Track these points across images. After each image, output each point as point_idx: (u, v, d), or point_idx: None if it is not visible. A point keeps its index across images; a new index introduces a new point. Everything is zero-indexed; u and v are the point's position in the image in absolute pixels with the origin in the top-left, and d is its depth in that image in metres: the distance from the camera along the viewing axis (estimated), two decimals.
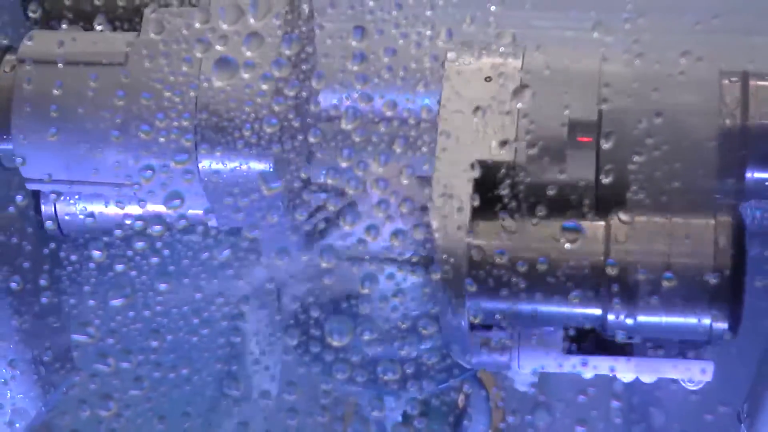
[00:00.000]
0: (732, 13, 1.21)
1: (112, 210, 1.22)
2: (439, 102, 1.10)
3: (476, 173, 1.05)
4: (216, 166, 1.10)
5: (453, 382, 1.26)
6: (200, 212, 1.17)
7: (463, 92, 1.10)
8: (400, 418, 1.28)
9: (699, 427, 1.29)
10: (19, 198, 1.25)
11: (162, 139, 1.10)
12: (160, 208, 1.16)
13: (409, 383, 1.19)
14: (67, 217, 1.25)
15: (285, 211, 1.14)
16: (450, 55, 1.12)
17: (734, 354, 1.14)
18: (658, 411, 1.40)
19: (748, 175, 1.09)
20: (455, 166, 1.06)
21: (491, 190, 1.06)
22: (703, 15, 1.20)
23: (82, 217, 1.23)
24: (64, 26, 1.20)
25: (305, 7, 1.16)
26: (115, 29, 1.18)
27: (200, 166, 1.10)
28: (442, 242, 1.03)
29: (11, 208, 1.26)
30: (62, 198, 1.24)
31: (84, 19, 1.20)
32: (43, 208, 1.24)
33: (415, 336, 1.17)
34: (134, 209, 1.20)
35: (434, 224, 1.04)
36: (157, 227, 1.16)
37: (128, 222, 1.20)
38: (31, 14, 1.24)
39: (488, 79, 1.11)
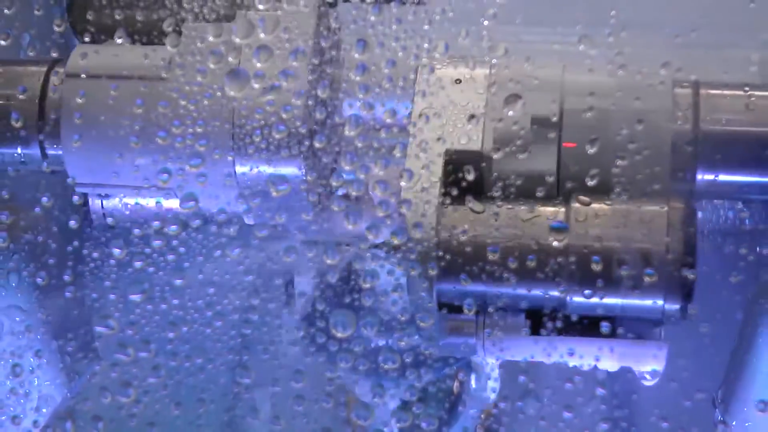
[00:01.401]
0: (705, 28, 1.22)
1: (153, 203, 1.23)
2: (412, 100, 1.11)
3: (443, 160, 1.06)
4: (251, 170, 1.11)
5: (448, 370, 1.27)
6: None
7: (435, 91, 1.11)
8: (399, 404, 1.28)
9: (677, 412, 1.29)
10: (44, 199, 1.25)
11: (201, 148, 1.10)
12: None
13: (408, 371, 1.20)
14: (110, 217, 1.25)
15: (313, 211, 1.14)
16: (424, 60, 1.13)
17: (709, 344, 1.16)
18: (639, 397, 1.41)
19: (699, 176, 1.10)
20: (426, 155, 1.07)
21: (459, 180, 1.07)
22: (680, 29, 1.22)
23: (126, 212, 1.24)
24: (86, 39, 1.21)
25: (332, 23, 1.17)
26: (133, 42, 1.19)
27: (237, 170, 1.11)
28: (411, 225, 1.03)
29: (37, 209, 1.27)
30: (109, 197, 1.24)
31: (106, 32, 1.21)
32: (90, 201, 1.24)
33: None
34: (174, 203, 1.20)
35: (404, 209, 1.04)
36: (197, 221, 1.16)
37: (169, 217, 1.20)
38: (56, 28, 1.27)
39: (458, 81, 1.12)
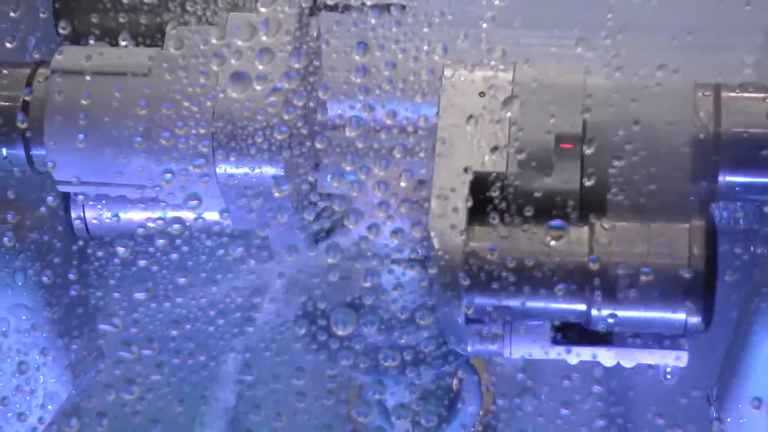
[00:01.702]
0: (701, 31, 1.22)
1: (135, 214, 1.23)
2: (437, 113, 1.10)
3: (470, 177, 1.05)
4: (231, 170, 1.10)
5: (448, 368, 1.26)
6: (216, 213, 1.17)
7: (459, 104, 1.10)
8: (399, 401, 1.29)
9: (673, 409, 1.30)
10: (50, 199, 1.25)
11: (181, 146, 1.10)
12: (179, 210, 1.17)
13: (408, 369, 1.20)
14: (94, 221, 1.26)
15: (294, 212, 1.14)
16: (447, 70, 1.12)
17: (705, 342, 1.14)
18: (635, 394, 1.42)
19: (720, 179, 1.09)
20: (451, 171, 1.06)
21: (484, 195, 1.06)
22: (676, 32, 1.22)
23: (108, 220, 1.24)
24: (91, 41, 1.20)
25: (313, 25, 1.17)
26: (138, 45, 1.19)
27: (217, 170, 1.10)
28: (438, 242, 1.03)
29: (43, 209, 1.27)
30: (89, 202, 1.25)
31: (110, 36, 1.21)
32: (72, 213, 1.25)
33: (414, 326, 1.18)
34: (155, 212, 1.21)
35: (431, 225, 1.04)
36: (176, 226, 1.16)
37: (151, 224, 1.20)
38: (61, 31, 1.27)
39: (482, 94, 1.11)
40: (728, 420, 1.24)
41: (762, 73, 1.28)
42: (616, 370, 1.16)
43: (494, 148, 1.07)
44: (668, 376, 1.17)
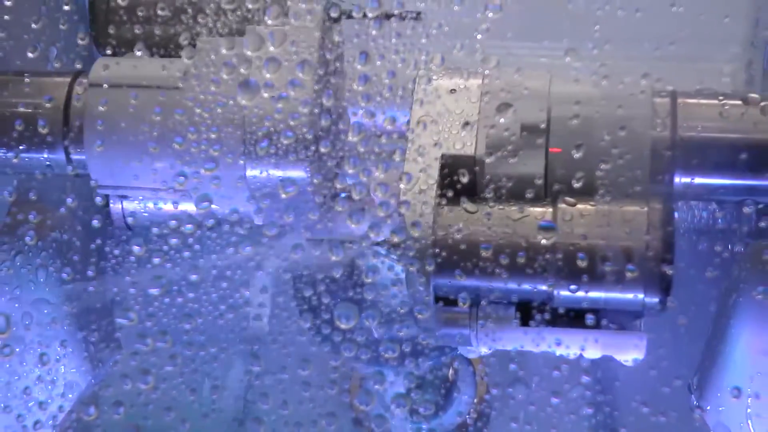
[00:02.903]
0: (682, 42, 1.23)
1: (169, 206, 1.22)
2: (410, 108, 1.12)
3: (439, 164, 1.06)
4: (261, 174, 1.11)
5: (444, 359, 1.27)
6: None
7: (432, 100, 1.12)
8: (399, 390, 1.29)
9: (656, 398, 1.30)
10: (69, 200, 1.27)
11: (215, 153, 1.11)
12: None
13: (407, 360, 1.20)
14: (130, 218, 1.26)
15: (318, 211, 1.15)
16: (421, 72, 1.14)
17: (685, 335, 1.17)
18: (621, 384, 1.42)
19: (677, 179, 1.10)
20: (423, 159, 1.08)
21: (454, 183, 1.08)
22: (659, 43, 1.23)
23: (145, 213, 1.23)
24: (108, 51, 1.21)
25: (336, 37, 1.17)
26: (152, 54, 1.20)
27: (248, 173, 1.11)
28: (409, 225, 1.04)
29: (63, 209, 1.29)
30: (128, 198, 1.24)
31: (125, 45, 1.21)
32: (111, 205, 1.24)
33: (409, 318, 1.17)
34: (189, 207, 1.20)
35: (403, 210, 1.05)
36: (211, 221, 1.17)
37: (185, 218, 1.19)
38: (80, 41, 1.27)
39: (453, 91, 1.13)
40: (708, 408, 1.24)
41: (739, 81, 1.29)
42: (602, 361, 1.17)
43: (465, 123, 1.09)
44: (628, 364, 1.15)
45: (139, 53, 1.19)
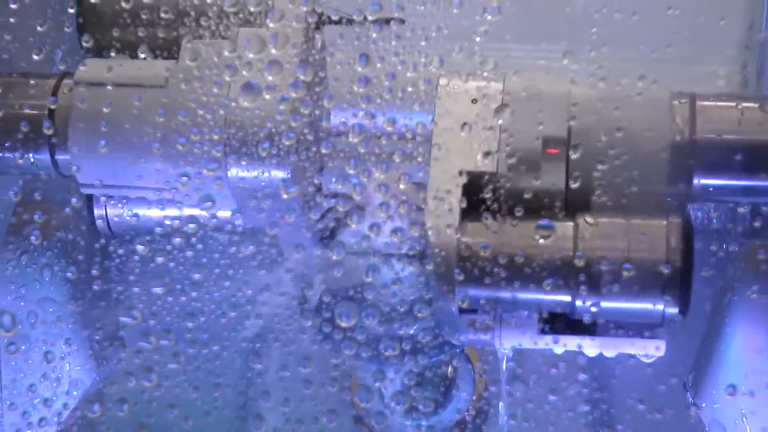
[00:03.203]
0: (678, 45, 1.23)
1: (154, 212, 1.24)
2: (432, 119, 1.11)
3: (464, 179, 1.06)
4: (242, 173, 1.11)
5: (443, 356, 1.26)
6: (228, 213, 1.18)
7: (453, 111, 1.11)
8: (398, 388, 1.29)
9: (652, 396, 1.31)
10: (74, 200, 1.27)
11: (196, 151, 1.11)
12: (194, 210, 1.17)
13: (407, 358, 1.20)
14: (115, 219, 1.27)
15: (301, 212, 1.15)
16: (442, 80, 1.13)
17: (681, 333, 1.15)
18: (618, 382, 1.42)
19: (695, 181, 1.10)
20: (446, 174, 1.07)
21: (477, 195, 1.07)
22: (656, 45, 1.23)
23: (128, 217, 1.25)
24: (112, 54, 1.22)
25: (318, 39, 1.18)
26: (156, 57, 1.20)
27: (229, 173, 1.11)
28: (434, 239, 1.04)
29: (67, 209, 1.29)
30: (111, 202, 1.25)
31: (130, 49, 1.21)
32: (95, 212, 1.26)
33: (412, 317, 1.18)
34: (173, 211, 1.21)
35: (428, 224, 1.05)
36: (192, 225, 1.17)
37: (167, 222, 1.21)
38: (84, 44, 1.28)
39: (474, 101, 1.11)
40: (703, 405, 1.25)
41: (734, 83, 1.30)
42: (599, 359, 1.17)
43: (487, 153, 1.08)
44: (647, 361, 1.17)
45: (143, 55, 1.18)
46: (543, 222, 1.06)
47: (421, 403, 1.33)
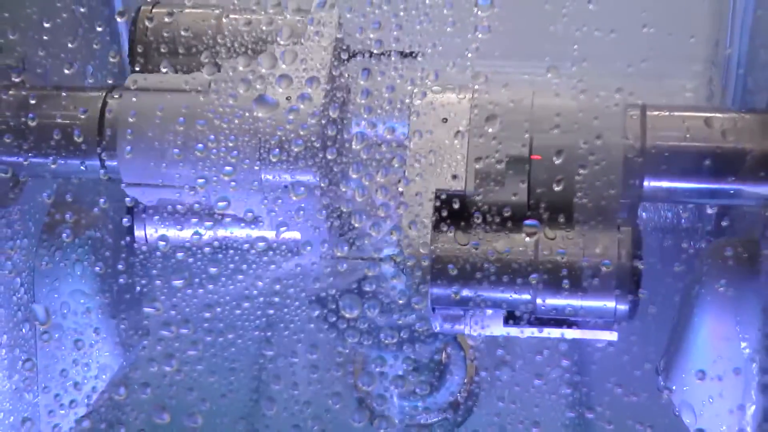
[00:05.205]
0: (650, 60, 1.24)
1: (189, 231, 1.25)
2: (407, 140, 1.12)
3: (434, 200, 1.09)
4: (273, 177, 1.13)
5: (438, 344, 1.29)
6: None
7: (424, 130, 1.13)
8: (397, 372, 1.30)
9: (628, 380, 1.31)
10: (102, 201, 1.30)
11: (233, 159, 1.13)
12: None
13: (405, 345, 1.21)
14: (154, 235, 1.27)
15: (326, 215, 1.17)
16: (416, 99, 1.14)
17: (653, 322, 1.19)
18: (597, 368, 1.43)
19: (646, 183, 1.14)
20: (419, 193, 1.10)
21: (448, 210, 1.11)
22: (631, 61, 1.25)
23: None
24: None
25: (345, 53, 1.20)
26: (176, 72, 1.21)
27: (262, 176, 1.13)
28: (410, 250, 1.08)
29: (96, 209, 1.32)
30: (154, 218, 1.26)
31: (153, 64, 1.23)
32: (136, 232, 1.27)
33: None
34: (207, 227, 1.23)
35: (404, 236, 1.08)
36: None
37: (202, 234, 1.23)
38: (111, 59, 1.32)
39: (445, 120, 1.14)
40: (674, 388, 1.26)
41: (700, 96, 1.31)
42: (579, 346, 1.19)
43: (454, 176, 1.11)
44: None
45: (164, 70, 1.21)
46: (529, 222, 1.09)
47: (418, 387, 1.35)
